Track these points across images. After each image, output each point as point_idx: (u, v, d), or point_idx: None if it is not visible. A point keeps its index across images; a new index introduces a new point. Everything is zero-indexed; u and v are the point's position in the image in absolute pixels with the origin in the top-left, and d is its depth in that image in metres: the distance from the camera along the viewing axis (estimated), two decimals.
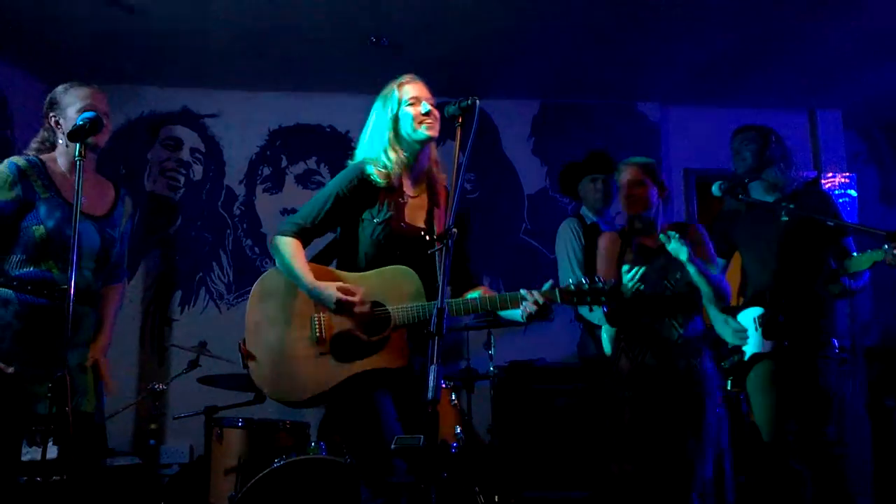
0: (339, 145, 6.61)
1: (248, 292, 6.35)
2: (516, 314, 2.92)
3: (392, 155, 3.01)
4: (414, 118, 2.98)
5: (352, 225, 3.06)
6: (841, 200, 6.60)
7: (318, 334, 2.93)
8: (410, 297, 2.89)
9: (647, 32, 5.54)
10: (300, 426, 4.53)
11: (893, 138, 7.60)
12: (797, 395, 4.00)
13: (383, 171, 3.00)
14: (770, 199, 4.21)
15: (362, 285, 2.93)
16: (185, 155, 6.54)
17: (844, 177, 6.85)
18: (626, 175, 3.84)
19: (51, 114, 3.28)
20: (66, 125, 3.20)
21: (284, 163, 6.61)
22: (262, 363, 3.00)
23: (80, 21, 5.25)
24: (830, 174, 6.86)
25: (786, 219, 3.96)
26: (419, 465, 2.36)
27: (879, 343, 6.85)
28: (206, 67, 6.15)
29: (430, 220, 3.08)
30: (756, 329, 4.02)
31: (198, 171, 6.55)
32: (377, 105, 3.11)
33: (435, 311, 2.37)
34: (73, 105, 3.22)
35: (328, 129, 6.66)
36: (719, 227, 4.36)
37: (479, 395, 5.34)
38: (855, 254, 3.98)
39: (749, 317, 4.07)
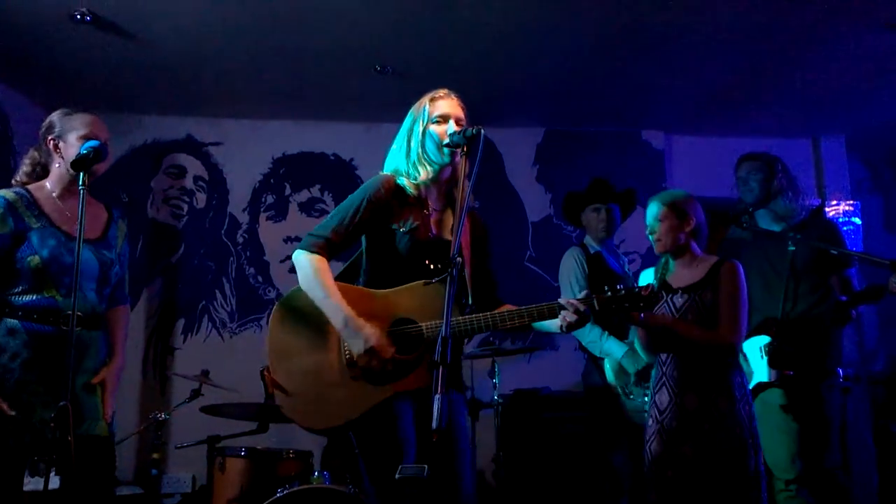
0: (343, 173, 6.63)
1: (252, 321, 6.44)
2: (552, 325, 2.84)
3: (420, 169, 2.94)
4: (440, 138, 2.91)
5: (378, 237, 2.95)
6: (845, 228, 6.59)
7: (348, 356, 2.78)
8: (441, 313, 2.65)
9: (651, 62, 5.57)
10: (303, 455, 4.50)
11: None
12: (802, 424, 3.99)
13: (413, 182, 2.94)
14: (777, 227, 4.21)
15: (392, 302, 2.84)
16: (188, 183, 6.56)
17: (848, 204, 6.85)
18: (650, 211, 3.72)
19: (49, 137, 3.27)
20: (67, 150, 3.21)
21: (288, 191, 6.62)
22: (290, 391, 2.85)
23: (84, 50, 5.28)
24: (834, 202, 6.86)
25: (793, 248, 3.96)
26: (425, 495, 2.34)
27: (885, 370, 6.82)
28: (210, 96, 6.18)
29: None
30: (762, 357, 4.01)
31: (201, 199, 6.56)
32: (409, 117, 3.04)
33: (439, 340, 2.32)
34: (74, 131, 3.22)
35: (332, 157, 6.68)
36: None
37: (484, 423, 5.32)
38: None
39: (755, 345, 4.05)
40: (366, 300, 2.85)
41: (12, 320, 3.10)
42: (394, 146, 3.07)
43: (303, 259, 2.88)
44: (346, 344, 2.79)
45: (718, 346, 3.50)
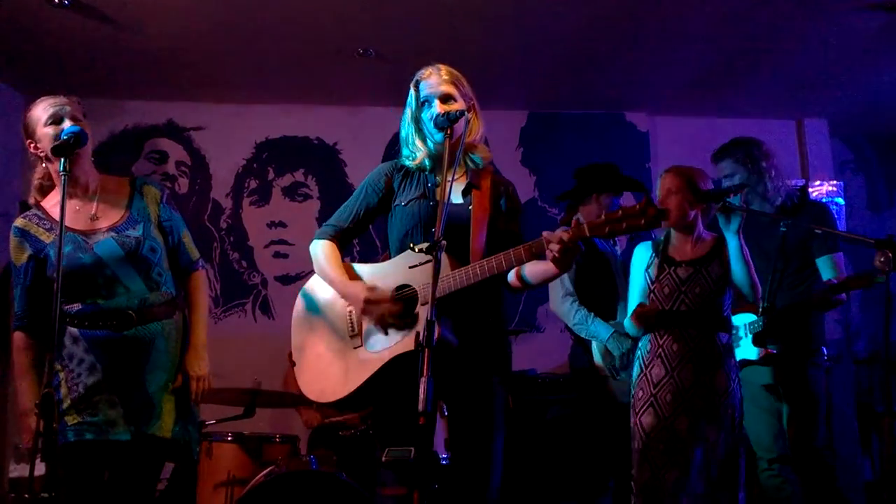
0: (327, 157, 6.61)
1: (236, 305, 6.44)
2: (548, 269, 2.70)
3: (416, 152, 2.99)
4: (430, 120, 2.91)
5: (388, 216, 3.07)
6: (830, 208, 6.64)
7: (351, 329, 2.92)
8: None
9: (634, 44, 5.57)
10: (290, 439, 4.51)
11: (879, 147, 7.67)
12: (786, 403, 4.03)
13: (414, 159, 3.00)
14: (763, 207, 4.22)
15: (390, 272, 2.89)
16: (170, 168, 6.52)
17: (832, 185, 6.89)
18: (663, 183, 3.72)
19: (28, 142, 3.12)
20: (43, 145, 3.06)
21: (271, 175, 6.60)
22: (303, 368, 3.03)
23: (63, 34, 5.24)
24: (818, 182, 6.90)
25: (783, 230, 3.96)
26: (410, 477, 2.33)
27: (868, 350, 6.88)
28: (191, 80, 6.14)
29: (467, 197, 2.97)
30: (745, 335, 4.03)
31: (184, 184, 6.53)
32: (408, 99, 3.05)
33: (426, 322, 2.33)
34: (39, 122, 3.07)
35: (315, 141, 6.65)
36: None
37: None
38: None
39: (739, 323, 4.07)
40: (367, 276, 2.96)
41: (73, 328, 3.06)
42: (400, 137, 3.09)
43: (314, 246, 3.04)
44: (350, 316, 2.92)
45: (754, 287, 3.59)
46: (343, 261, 3.03)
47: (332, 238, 3.03)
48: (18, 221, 3.15)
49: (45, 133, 3.04)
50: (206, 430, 4.53)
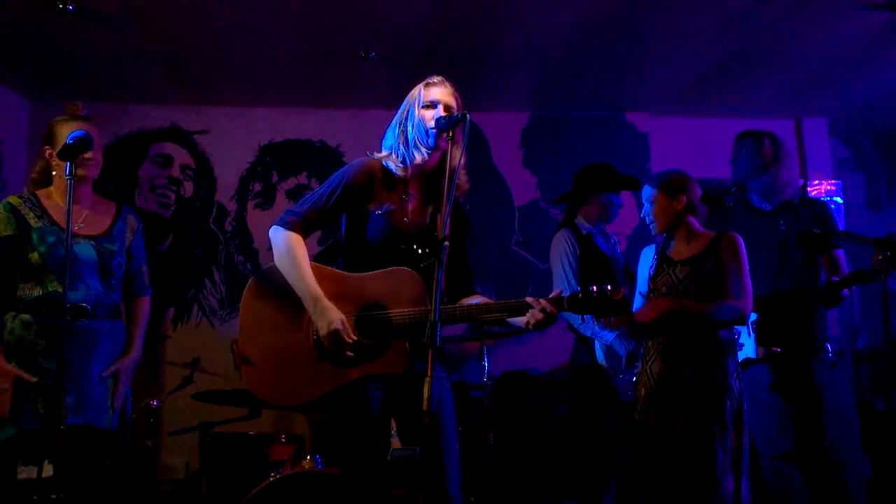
0: (331, 160, 6.63)
1: None
2: (521, 321, 2.80)
3: (414, 151, 2.91)
4: (426, 122, 2.89)
5: (356, 219, 2.96)
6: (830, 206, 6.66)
7: (316, 336, 2.80)
8: (414, 301, 2.76)
9: (634, 45, 5.58)
10: (295, 439, 4.53)
11: (879, 145, 7.68)
12: (790, 401, 4.05)
13: (402, 165, 2.94)
14: (766, 205, 4.25)
15: (364, 286, 2.84)
16: (175, 172, 6.55)
17: (830, 184, 6.91)
18: (643, 197, 3.84)
19: (46, 147, 3.46)
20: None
21: (275, 178, 6.62)
22: (256, 366, 2.90)
23: (66, 39, 5.25)
24: (816, 181, 6.92)
25: (784, 228, 4.00)
26: (414, 477, 2.36)
27: (868, 347, 6.89)
28: (195, 84, 6.16)
29: (433, 219, 2.99)
30: (749, 334, 4.06)
31: (188, 187, 6.56)
32: (405, 101, 3.02)
33: (428, 323, 2.36)
34: (65, 137, 3.25)
35: (318, 144, 6.68)
36: None
37: (473, 405, 5.36)
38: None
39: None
40: (338, 282, 2.87)
41: (26, 315, 3.32)
42: (388, 129, 3.04)
43: (279, 235, 2.91)
44: (315, 323, 2.81)
45: (734, 316, 3.61)
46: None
47: (297, 229, 2.90)
48: (13, 199, 3.43)
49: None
50: (212, 431, 4.57)
